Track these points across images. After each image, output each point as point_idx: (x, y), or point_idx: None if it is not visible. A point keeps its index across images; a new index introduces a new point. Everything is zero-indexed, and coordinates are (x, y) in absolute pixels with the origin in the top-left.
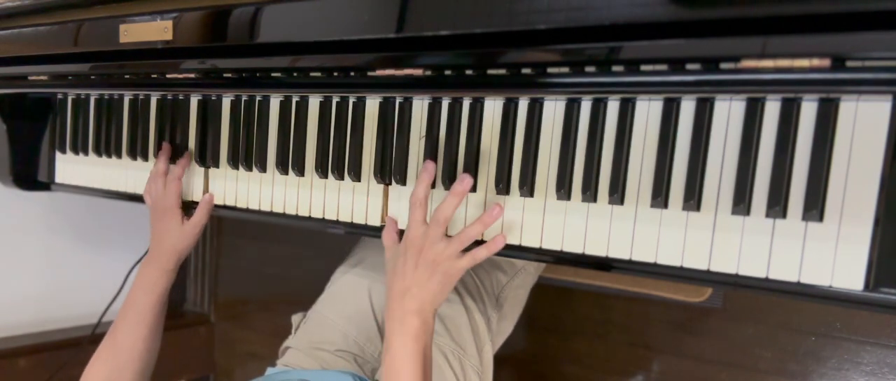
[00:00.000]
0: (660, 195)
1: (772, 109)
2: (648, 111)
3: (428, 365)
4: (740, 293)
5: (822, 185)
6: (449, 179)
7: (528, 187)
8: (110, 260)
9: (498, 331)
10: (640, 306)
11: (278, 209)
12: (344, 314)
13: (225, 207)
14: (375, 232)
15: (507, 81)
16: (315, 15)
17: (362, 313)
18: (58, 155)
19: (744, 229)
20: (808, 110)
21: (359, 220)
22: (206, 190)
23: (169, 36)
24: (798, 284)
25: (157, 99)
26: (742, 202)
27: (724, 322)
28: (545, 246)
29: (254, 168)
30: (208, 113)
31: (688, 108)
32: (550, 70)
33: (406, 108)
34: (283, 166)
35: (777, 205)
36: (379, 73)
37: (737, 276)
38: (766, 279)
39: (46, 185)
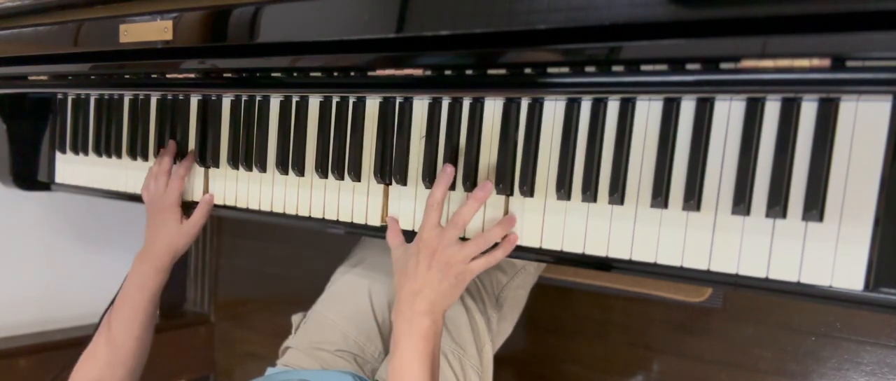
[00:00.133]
0: (660, 195)
1: (772, 109)
2: (648, 111)
3: (435, 367)
4: (740, 293)
5: (822, 185)
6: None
7: (528, 187)
8: (110, 260)
9: (498, 331)
10: (640, 306)
11: (278, 209)
12: (344, 314)
13: (225, 207)
14: (375, 232)
15: (507, 81)
16: (315, 15)
17: (362, 313)
18: (58, 155)
19: (744, 229)
20: (808, 110)
21: (359, 220)
22: (206, 190)
23: (169, 36)
24: (798, 284)
25: (157, 99)
26: (742, 202)
27: (724, 322)
28: (545, 246)
29: (254, 168)
30: (208, 113)
31: (688, 108)
32: (550, 70)
33: (406, 108)
34: (283, 166)
35: (777, 205)
36: (379, 73)
37: (737, 276)
38: (766, 279)
39: (46, 185)
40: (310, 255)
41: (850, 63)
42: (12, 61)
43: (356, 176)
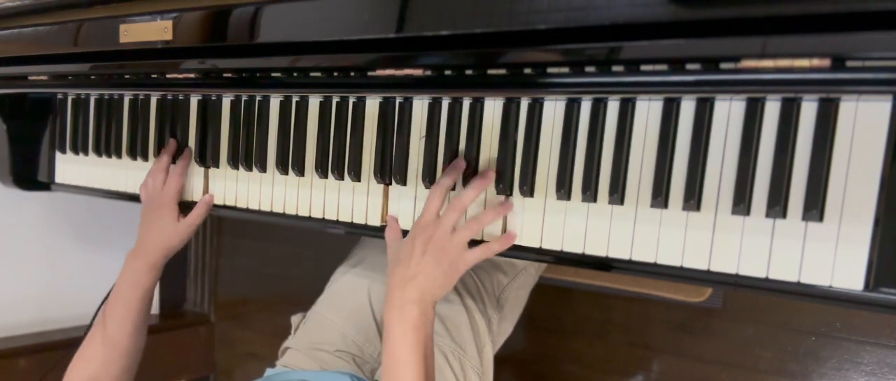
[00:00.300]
0: (660, 195)
1: (772, 109)
2: (648, 111)
3: (429, 356)
4: (740, 293)
5: (822, 185)
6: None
7: (528, 187)
8: (110, 260)
9: (498, 332)
10: (640, 306)
11: (278, 209)
12: (343, 315)
13: (225, 207)
14: (375, 232)
15: (507, 81)
16: (315, 15)
17: (361, 313)
18: (58, 155)
19: (744, 229)
20: (808, 110)
21: (359, 220)
22: (205, 190)
23: (169, 36)
24: (798, 284)
25: (157, 99)
26: (742, 202)
27: (724, 322)
28: (545, 246)
29: (254, 168)
30: (208, 113)
31: (688, 108)
32: (550, 70)
33: (406, 108)
34: (283, 166)
35: (777, 205)
36: (379, 73)
37: (737, 276)
38: (766, 279)
39: (46, 185)
40: (310, 255)
41: (850, 63)
42: (12, 61)
43: (356, 176)
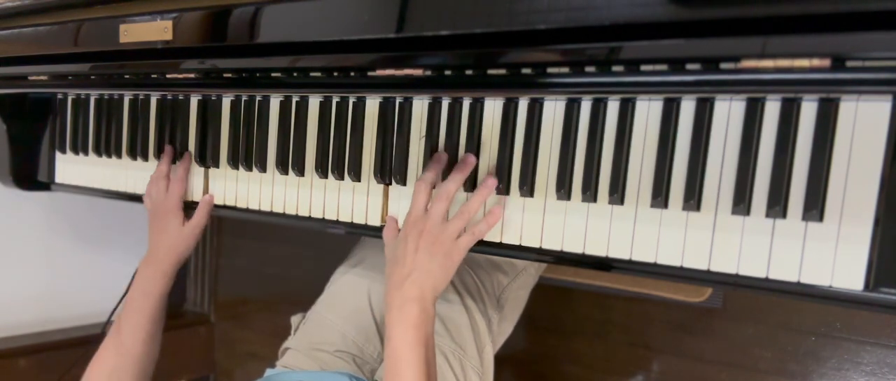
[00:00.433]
0: (660, 195)
1: (772, 109)
2: (648, 111)
3: (431, 355)
4: (740, 293)
5: (822, 185)
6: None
7: (528, 187)
8: (110, 260)
9: (498, 332)
10: (640, 306)
11: (278, 209)
12: (343, 315)
13: (225, 207)
14: (375, 232)
15: (507, 81)
16: (315, 15)
17: (361, 313)
18: (58, 155)
19: (744, 229)
20: (808, 110)
21: (359, 220)
22: (206, 190)
23: (169, 36)
24: (798, 284)
25: (157, 99)
26: (742, 202)
27: (724, 322)
28: (545, 246)
29: (254, 168)
30: (208, 113)
31: (688, 108)
32: (550, 70)
33: (406, 108)
34: (283, 166)
35: (777, 205)
36: (379, 73)
37: (737, 276)
38: (766, 279)
39: (46, 185)
40: (310, 255)
41: (850, 63)
42: (12, 61)
43: (356, 176)
